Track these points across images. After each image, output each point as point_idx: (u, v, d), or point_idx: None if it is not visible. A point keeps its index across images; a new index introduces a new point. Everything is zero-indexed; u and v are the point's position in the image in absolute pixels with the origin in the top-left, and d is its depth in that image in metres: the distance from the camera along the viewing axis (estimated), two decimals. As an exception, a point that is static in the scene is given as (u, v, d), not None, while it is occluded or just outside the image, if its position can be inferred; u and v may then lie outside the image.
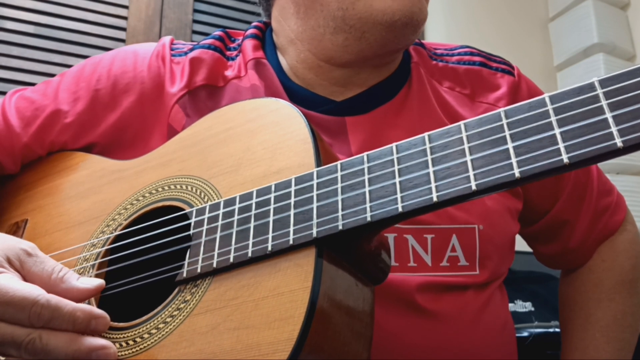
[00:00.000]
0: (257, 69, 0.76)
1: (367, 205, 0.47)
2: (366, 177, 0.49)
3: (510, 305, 1.54)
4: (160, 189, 0.63)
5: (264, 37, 0.83)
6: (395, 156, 0.48)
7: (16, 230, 0.73)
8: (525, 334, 1.18)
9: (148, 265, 0.59)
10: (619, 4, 2.48)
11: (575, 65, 2.40)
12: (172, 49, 0.80)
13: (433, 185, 0.45)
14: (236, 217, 0.54)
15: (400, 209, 0.46)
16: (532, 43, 2.54)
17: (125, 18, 1.85)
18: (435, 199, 0.45)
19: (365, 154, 0.50)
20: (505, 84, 0.80)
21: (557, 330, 1.08)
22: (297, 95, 0.75)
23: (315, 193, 0.50)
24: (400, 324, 0.66)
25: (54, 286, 0.52)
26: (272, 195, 0.52)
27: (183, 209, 0.59)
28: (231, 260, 0.51)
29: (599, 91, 0.41)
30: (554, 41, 2.54)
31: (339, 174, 0.50)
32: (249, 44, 0.79)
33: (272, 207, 0.52)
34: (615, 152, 0.39)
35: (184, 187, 0.61)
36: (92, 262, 0.62)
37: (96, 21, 1.80)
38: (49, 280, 0.53)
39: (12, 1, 1.70)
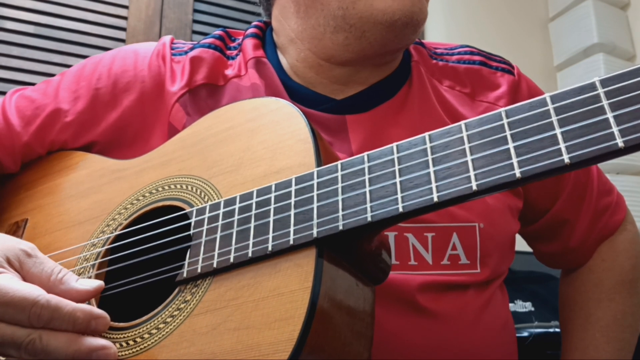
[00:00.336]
0: (257, 67, 0.76)
1: (368, 205, 0.47)
2: (366, 177, 0.49)
3: (510, 305, 1.54)
4: (160, 189, 0.63)
5: (264, 37, 0.83)
6: (395, 156, 0.48)
7: (16, 229, 0.73)
8: (525, 334, 1.18)
9: (148, 265, 0.59)
10: (619, 4, 2.48)
11: (575, 65, 2.40)
12: (172, 48, 0.80)
13: (434, 185, 0.45)
14: (236, 217, 0.54)
15: (400, 209, 0.46)
16: (532, 43, 2.53)
17: (125, 18, 1.84)
18: (435, 199, 0.45)
19: (365, 153, 0.50)
20: (505, 83, 0.80)
21: (557, 330, 1.08)
22: (298, 93, 0.75)
23: (315, 193, 0.50)
24: (401, 324, 0.66)
25: (53, 287, 0.52)
26: (272, 195, 0.52)
27: (183, 209, 0.59)
28: (231, 260, 0.51)
29: (600, 91, 0.41)
30: (554, 41, 2.54)
31: (339, 173, 0.50)
32: (249, 43, 0.79)
33: (272, 207, 0.52)
34: (617, 152, 0.39)
35: (184, 186, 0.61)
36: (92, 262, 0.62)
37: (96, 21, 1.80)
38: (48, 282, 0.53)
39: (12, 1, 1.70)
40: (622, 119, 0.39)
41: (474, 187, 0.43)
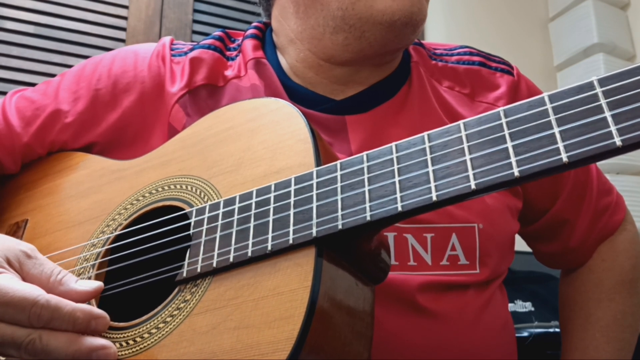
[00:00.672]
0: (257, 68, 0.77)
1: (367, 204, 0.47)
2: (366, 176, 0.49)
3: (510, 305, 1.54)
4: (160, 189, 0.63)
5: (264, 37, 0.83)
6: (394, 155, 0.48)
7: (16, 230, 0.73)
8: (525, 334, 1.18)
9: (148, 265, 0.59)
10: (619, 4, 2.48)
11: (575, 65, 2.40)
12: (172, 49, 0.80)
13: (432, 184, 0.45)
14: (236, 216, 0.54)
15: (399, 209, 0.46)
16: (532, 43, 2.54)
17: (125, 18, 1.85)
18: (434, 198, 0.45)
19: (364, 153, 0.50)
20: (505, 84, 0.80)
21: (557, 330, 1.08)
22: (297, 94, 0.75)
23: (315, 192, 0.50)
24: (401, 324, 0.66)
25: (53, 288, 0.52)
26: (271, 195, 0.53)
27: (183, 209, 0.59)
28: (231, 260, 0.51)
29: (598, 90, 0.41)
30: (554, 41, 2.54)
31: (338, 173, 0.50)
32: (248, 44, 0.80)
33: (271, 206, 0.52)
34: (615, 151, 0.39)
35: (184, 187, 0.61)
36: (92, 262, 0.62)
37: (96, 21, 1.80)
38: (47, 283, 0.53)
39: (12, 1, 1.70)
40: (620, 118, 0.39)
41: (473, 186, 0.43)
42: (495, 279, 0.75)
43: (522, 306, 1.57)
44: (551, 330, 1.22)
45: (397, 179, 0.47)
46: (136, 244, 0.61)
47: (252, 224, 0.52)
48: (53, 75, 0.82)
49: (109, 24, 1.82)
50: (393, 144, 0.49)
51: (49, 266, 0.54)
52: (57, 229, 0.69)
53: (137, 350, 0.53)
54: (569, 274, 0.89)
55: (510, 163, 0.42)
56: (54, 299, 0.50)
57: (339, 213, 0.48)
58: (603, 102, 0.40)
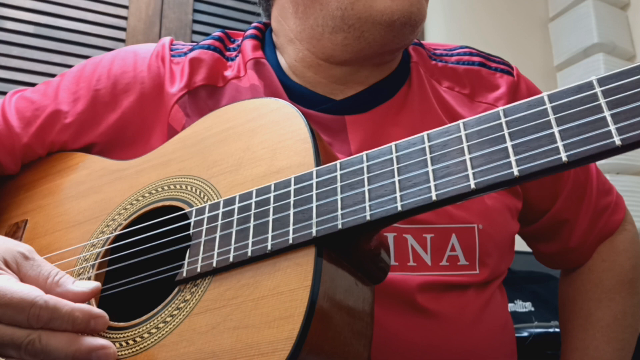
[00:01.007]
0: (256, 68, 0.77)
1: (367, 204, 0.47)
2: (365, 176, 0.49)
3: (510, 305, 1.54)
4: (160, 189, 0.63)
5: (264, 38, 0.83)
6: (394, 155, 0.49)
7: (16, 230, 0.73)
8: (525, 334, 1.18)
9: (148, 265, 0.59)
10: (619, 4, 2.48)
11: (575, 65, 2.40)
12: (171, 50, 0.80)
13: (432, 184, 0.45)
14: (236, 216, 0.54)
15: (399, 208, 0.46)
16: (532, 43, 2.54)
17: (125, 18, 1.85)
18: (434, 198, 0.45)
19: (364, 153, 0.50)
20: (505, 84, 0.80)
21: (557, 330, 1.08)
22: (297, 93, 0.75)
23: (314, 192, 0.50)
24: (401, 324, 0.66)
25: (50, 290, 0.52)
26: (271, 195, 0.53)
27: (183, 209, 0.59)
28: (231, 259, 0.51)
29: (598, 89, 0.41)
30: (554, 41, 2.54)
31: (338, 173, 0.50)
32: (248, 44, 0.80)
33: (271, 206, 0.52)
34: (614, 151, 0.39)
35: (183, 187, 0.61)
36: (92, 262, 0.62)
37: (96, 21, 1.80)
38: (44, 284, 0.53)
39: (12, 1, 1.70)
40: (619, 118, 0.39)
41: (473, 186, 0.43)
42: (494, 279, 0.75)
43: (522, 306, 1.57)
44: (551, 330, 1.22)
45: (396, 178, 0.47)
46: (136, 244, 0.61)
47: (252, 224, 0.52)
48: (53, 75, 0.82)
49: (109, 24, 1.82)
50: (393, 144, 0.49)
51: (46, 268, 0.54)
52: (57, 229, 0.69)
53: (136, 350, 0.53)
54: (569, 274, 0.89)
55: (510, 162, 0.42)
56: (52, 299, 0.50)
57: (339, 213, 0.48)
58: (602, 101, 0.40)
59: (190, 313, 0.52)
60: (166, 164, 0.65)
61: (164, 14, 1.90)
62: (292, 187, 0.52)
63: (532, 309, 1.57)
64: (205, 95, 0.76)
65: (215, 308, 0.50)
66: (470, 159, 0.44)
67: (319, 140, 0.55)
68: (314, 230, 0.48)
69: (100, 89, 0.77)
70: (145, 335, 0.53)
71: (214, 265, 0.52)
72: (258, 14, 0.89)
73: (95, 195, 0.69)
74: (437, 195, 0.45)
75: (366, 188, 0.48)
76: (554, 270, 0.93)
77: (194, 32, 1.94)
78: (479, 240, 0.71)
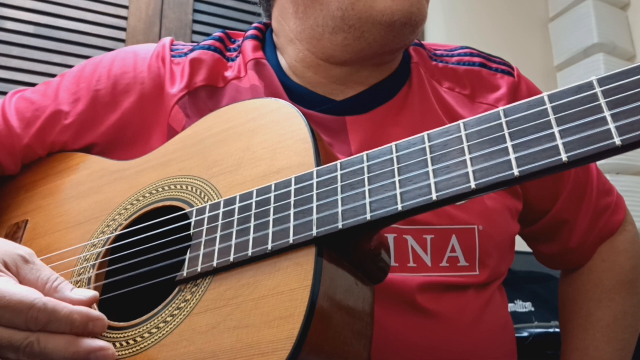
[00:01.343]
0: (256, 69, 0.77)
1: (367, 204, 0.47)
2: (365, 176, 0.49)
3: (510, 305, 1.54)
4: (160, 189, 0.63)
5: (264, 38, 0.83)
6: (394, 155, 0.49)
7: (16, 230, 0.73)
8: (525, 334, 1.18)
9: (148, 265, 0.59)
10: (619, 4, 2.48)
11: (575, 65, 2.40)
12: (172, 50, 0.80)
13: (432, 184, 0.45)
14: (236, 216, 0.54)
15: (399, 208, 0.46)
16: (532, 43, 2.54)
17: (125, 18, 1.85)
18: (434, 198, 0.45)
19: (364, 153, 0.50)
20: (505, 85, 0.80)
21: (557, 330, 1.08)
22: (297, 94, 0.75)
23: (315, 192, 0.50)
24: (401, 324, 0.66)
25: (48, 295, 0.52)
26: (272, 195, 0.53)
27: (183, 209, 0.59)
28: (231, 259, 0.52)
29: (597, 89, 0.41)
30: (554, 41, 2.54)
31: (338, 173, 0.50)
32: (248, 45, 0.80)
33: (272, 206, 0.52)
34: (614, 150, 0.39)
35: (184, 187, 0.61)
36: (92, 262, 0.62)
37: (96, 21, 1.80)
38: (43, 289, 0.53)
39: (12, 1, 1.70)
40: (619, 117, 0.39)
41: (473, 186, 0.43)
42: (494, 280, 0.75)
43: (522, 306, 1.57)
44: (551, 330, 1.22)
45: (397, 178, 0.47)
46: (136, 244, 0.61)
47: (252, 224, 0.52)
48: (53, 75, 0.82)
49: (109, 24, 1.82)
50: (393, 144, 0.49)
51: (45, 272, 0.54)
52: (57, 229, 0.69)
53: (136, 350, 0.53)
54: (569, 274, 0.89)
55: (510, 162, 0.42)
56: (51, 301, 0.50)
57: (339, 213, 0.48)
58: (602, 101, 0.40)
59: (191, 313, 0.52)
60: (166, 164, 0.65)
61: (164, 14, 1.90)
62: (293, 187, 0.52)
63: (532, 309, 1.57)
64: (206, 96, 0.76)
65: (215, 308, 0.50)
66: (471, 158, 0.44)
67: (319, 140, 0.55)
68: (314, 230, 0.48)
69: (100, 89, 0.77)
70: (146, 335, 0.53)
71: (215, 265, 0.52)
72: (258, 14, 0.89)
73: (95, 196, 0.69)
74: (437, 195, 0.45)
75: (366, 188, 0.48)
76: (554, 270, 0.93)
77: (194, 32, 1.94)
78: (479, 241, 0.71)
